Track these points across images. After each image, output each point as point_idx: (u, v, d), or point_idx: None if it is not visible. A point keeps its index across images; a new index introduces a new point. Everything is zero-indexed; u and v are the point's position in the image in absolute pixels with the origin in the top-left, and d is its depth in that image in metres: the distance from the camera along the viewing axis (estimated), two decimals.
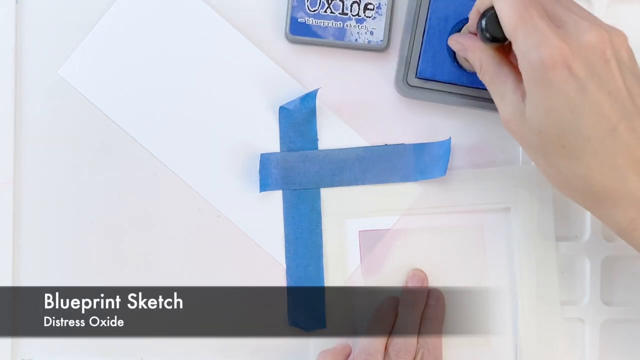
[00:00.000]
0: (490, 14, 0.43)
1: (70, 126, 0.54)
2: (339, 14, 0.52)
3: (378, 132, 0.53)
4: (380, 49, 0.52)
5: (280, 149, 0.53)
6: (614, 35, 0.40)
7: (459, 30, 0.50)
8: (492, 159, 0.54)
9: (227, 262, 0.54)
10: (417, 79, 0.52)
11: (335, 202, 0.53)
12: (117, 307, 0.54)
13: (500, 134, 0.53)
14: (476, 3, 0.44)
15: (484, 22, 0.43)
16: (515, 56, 0.41)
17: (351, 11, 0.52)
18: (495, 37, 0.43)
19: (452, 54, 0.51)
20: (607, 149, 0.39)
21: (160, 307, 0.54)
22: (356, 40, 0.52)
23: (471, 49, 0.45)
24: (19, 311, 0.54)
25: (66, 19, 0.53)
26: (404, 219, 0.53)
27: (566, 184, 0.42)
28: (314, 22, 0.52)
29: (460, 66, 0.50)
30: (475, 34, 0.46)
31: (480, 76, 0.45)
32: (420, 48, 0.52)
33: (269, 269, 0.53)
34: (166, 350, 0.54)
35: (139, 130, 0.54)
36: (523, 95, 0.42)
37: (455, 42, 0.47)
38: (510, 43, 0.42)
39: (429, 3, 0.51)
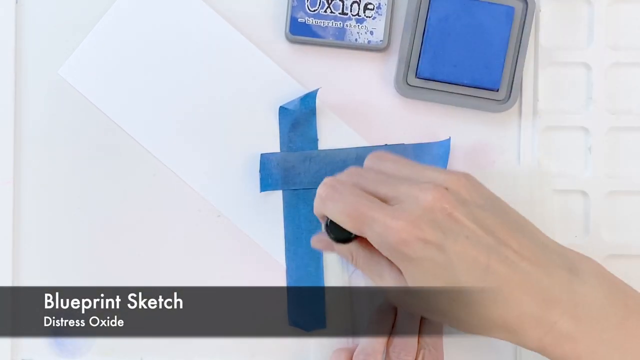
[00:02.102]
0: (329, 222, 0.44)
1: (70, 126, 0.54)
2: (339, 14, 0.52)
3: (378, 132, 0.53)
4: (380, 49, 0.52)
5: (280, 149, 0.53)
6: (448, 182, 0.42)
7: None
8: (492, 159, 0.54)
9: (227, 262, 0.54)
10: (417, 79, 0.52)
11: None
12: (117, 307, 0.54)
13: (500, 134, 0.53)
14: (315, 211, 0.45)
15: (328, 231, 0.44)
16: None
17: (351, 11, 0.52)
18: (343, 239, 0.44)
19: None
20: (491, 290, 0.41)
21: (160, 307, 0.54)
22: (356, 40, 0.52)
23: (335, 246, 0.46)
24: (19, 311, 0.54)
25: (66, 19, 0.53)
26: None
27: (472, 328, 0.43)
28: (314, 22, 0.52)
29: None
30: None
31: (354, 265, 0.46)
32: (420, 48, 0.52)
33: (269, 269, 0.53)
34: (166, 350, 0.54)
35: (139, 130, 0.54)
36: (399, 270, 0.43)
37: (319, 242, 0.48)
38: None
39: (429, 3, 0.51)
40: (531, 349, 0.42)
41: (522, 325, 0.41)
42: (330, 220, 0.44)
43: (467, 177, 0.43)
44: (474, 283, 0.40)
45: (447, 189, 0.41)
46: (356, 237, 0.43)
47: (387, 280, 0.44)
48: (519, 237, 0.42)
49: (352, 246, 0.45)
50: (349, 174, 0.45)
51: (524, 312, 0.41)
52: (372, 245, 0.43)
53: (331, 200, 0.43)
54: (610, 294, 0.42)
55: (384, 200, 0.42)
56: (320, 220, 0.45)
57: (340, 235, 0.44)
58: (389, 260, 0.43)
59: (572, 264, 0.43)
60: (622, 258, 0.53)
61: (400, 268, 0.42)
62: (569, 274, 0.42)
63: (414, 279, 0.41)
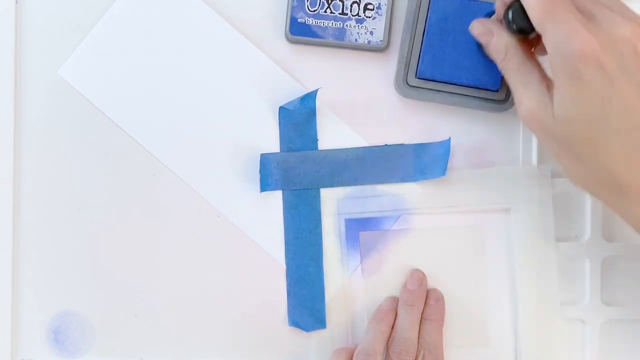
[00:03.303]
0: (516, 6, 0.43)
1: (70, 126, 0.54)
2: (339, 14, 0.52)
3: (378, 132, 0.53)
4: (380, 49, 0.52)
5: (280, 149, 0.53)
6: None
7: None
8: (492, 159, 0.54)
9: (227, 262, 0.54)
10: (417, 79, 0.52)
11: (335, 202, 0.53)
12: (117, 306, 0.54)
13: (500, 134, 0.53)
14: None
15: (510, 14, 0.43)
16: (539, 51, 0.41)
17: (351, 11, 0.52)
18: (523, 28, 0.43)
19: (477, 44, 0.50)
20: (635, 142, 0.40)
21: (161, 306, 0.54)
22: (356, 40, 0.52)
23: (498, 34, 0.45)
24: (19, 311, 0.54)
25: (66, 19, 0.53)
26: (404, 219, 0.53)
27: (588, 177, 0.42)
28: (313, 22, 0.52)
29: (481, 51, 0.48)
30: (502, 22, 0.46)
31: (502, 63, 0.45)
32: (420, 48, 0.52)
33: (269, 269, 0.53)
34: (166, 350, 0.54)
35: (139, 131, 0.54)
36: (548, 87, 0.42)
37: (481, 25, 0.47)
38: (535, 36, 0.42)
39: (429, 3, 0.51)
40: (633, 222, 0.42)
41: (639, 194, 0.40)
42: (517, 7, 0.42)
43: None
44: (620, 131, 0.39)
45: None
46: (530, 35, 0.42)
47: (532, 90, 0.42)
48: None
49: (511, 42, 0.44)
50: None
51: None
52: (530, 53, 0.42)
53: None
54: None
55: (583, 11, 0.41)
56: (502, 6, 0.44)
57: (524, 23, 0.42)
58: (542, 73, 0.42)
59: None
60: (622, 259, 0.53)
61: (559, 82, 0.40)
62: None
63: (565, 100, 0.40)
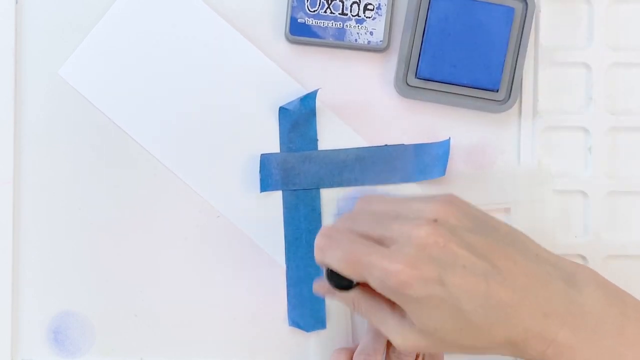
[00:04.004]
0: (329, 270, 0.44)
1: (70, 126, 0.54)
2: (339, 14, 0.52)
3: (378, 132, 0.53)
4: (380, 49, 0.52)
5: (280, 150, 0.53)
6: (435, 212, 0.42)
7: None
8: (492, 159, 0.54)
9: (227, 262, 0.54)
10: (417, 79, 0.52)
11: (335, 202, 0.53)
12: (117, 306, 0.54)
13: (500, 134, 0.53)
14: (316, 260, 0.45)
15: (329, 280, 0.44)
16: None
17: (351, 11, 0.52)
18: (344, 286, 0.44)
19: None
20: (493, 309, 0.41)
21: (161, 306, 0.54)
22: (356, 40, 0.52)
23: (337, 294, 0.46)
24: (19, 311, 0.54)
25: (66, 19, 0.53)
26: None
27: (480, 351, 0.43)
28: (313, 23, 0.52)
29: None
30: None
31: (356, 312, 0.46)
32: (420, 48, 0.52)
33: (269, 269, 0.53)
34: (166, 350, 0.54)
35: (139, 131, 0.54)
36: (401, 313, 0.43)
37: (321, 287, 0.48)
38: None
39: (429, 3, 0.51)
40: None
41: (525, 341, 0.42)
42: (330, 271, 0.44)
43: (452, 201, 0.43)
44: (477, 309, 0.41)
45: (436, 220, 0.42)
46: (358, 283, 0.44)
47: (391, 324, 0.44)
48: (512, 254, 0.42)
49: (353, 293, 0.45)
50: (342, 219, 0.46)
51: (526, 328, 0.41)
52: (373, 291, 0.43)
53: (329, 249, 0.43)
54: (607, 302, 0.43)
55: (379, 241, 0.43)
56: (322, 268, 0.45)
57: (341, 282, 0.44)
58: (391, 305, 0.44)
59: (567, 274, 0.43)
60: (622, 258, 0.53)
61: (405, 309, 0.42)
62: (565, 285, 0.43)
63: (420, 318, 0.42)
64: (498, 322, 0.41)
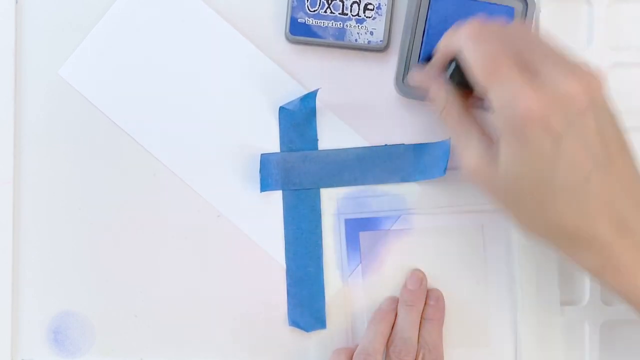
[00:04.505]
0: (458, 63, 0.42)
1: (70, 126, 0.54)
2: (339, 14, 0.52)
3: (378, 132, 0.53)
4: (380, 49, 0.52)
5: (280, 149, 0.53)
6: (591, 81, 0.40)
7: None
8: None
9: (227, 262, 0.54)
10: None
11: (335, 202, 0.53)
12: (117, 306, 0.54)
13: None
14: (441, 44, 0.42)
15: (452, 70, 0.42)
16: (481, 106, 0.41)
17: (351, 11, 0.52)
18: (463, 83, 0.42)
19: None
20: (580, 197, 0.40)
21: (161, 306, 0.54)
22: (356, 40, 0.52)
23: (437, 83, 0.44)
24: (19, 311, 0.54)
25: (66, 19, 0.53)
26: (404, 219, 0.53)
27: (538, 228, 0.42)
28: (313, 22, 0.52)
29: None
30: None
31: (441, 115, 0.44)
32: (420, 48, 0.52)
33: (269, 269, 0.53)
34: (166, 350, 0.54)
35: (139, 130, 0.54)
36: (489, 142, 0.42)
37: (420, 74, 0.46)
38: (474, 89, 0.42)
39: (429, 3, 0.51)
40: (587, 270, 0.42)
41: (591, 245, 0.40)
42: (459, 64, 0.41)
43: (604, 82, 0.41)
44: (567, 187, 0.39)
45: (589, 83, 0.40)
46: (471, 92, 0.41)
47: (471, 147, 0.42)
48: (626, 160, 0.41)
49: (451, 96, 0.43)
50: (498, 27, 0.42)
51: (598, 232, 0.40)
52: (470, 107, 0.41)
53: (475, 39, 0.40)
54: None
55: (526, 67, 0.40)
56: (440, 59, 0.42)
57: (462, 78, 0.41)
58: (481, 129, 0.42)
59: None
60: None
61: (504, 141, 0.40)
62: None
63: (511, 158, 0.40)
64: (576, 211, 0.40)
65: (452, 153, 0.43)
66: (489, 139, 0.42)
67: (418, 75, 0.46)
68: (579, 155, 0.39)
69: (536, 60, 0.40)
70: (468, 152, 0.43)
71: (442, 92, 0.44)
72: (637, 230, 0.41)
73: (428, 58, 0.49)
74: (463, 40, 0.41)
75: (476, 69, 0.40)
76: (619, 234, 0.40)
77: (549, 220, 0.41)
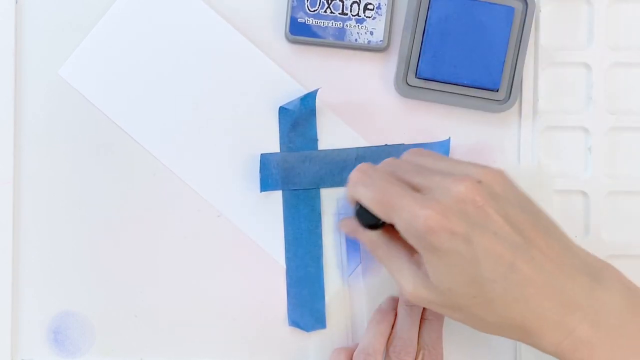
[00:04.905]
0: (359, 207, 0.44)
1: (70, 126, 0.54)
2: (339, 14, 0.52)
3: (378, 132, 0.53)
4: (380, 49, 0.52)
5: (280, 149, 0.53)
6: (482, 175, 0.42)
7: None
8: (492, 159, 0.54)
9: (227, 262, 0.54)
10: (417, 79, 0.52)
11: (335, 202, 0.53)
12: (117, 306, 0.54)
13: (500, 134, 0.53)
14: (346, 195, 0.45)
15: (357, 216, 0.44)
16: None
17: (351, 11, 0.52)
18: (373, 224, 0.44)
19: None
20: (512, 287, 0.41)
21: (161, 306, 0.54)
22: (356, 40, 0.52)
23: (360, 232, 0.47)
24: (19, 311, 0.54)
25: (66, 19, 0.53)
26: None
27: (489, 327, 0.43)
28: (313, 22, 0.52)
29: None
30: None
31: (372, 254, 0.46)
32: (420, 48, 0.52)
33: (269, 269, 0.53)
34: (166, 350, 0.54)
35: (139, 130, 0.54)
36: (418, 264, 0.43)
37: (345, 225, 0.49)
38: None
39: (429, 3, 0.51)
40: (548, 353, 0.42)
41: (541, 328, 0.41)
42: (360, 206, 0.44)
43: (501, 173, 0.43)
44: (497, 280, 0.40)
45: (480, 182, 0.41)
46: (384, 225, 0.43)
47: (405, 272, 0.43)
48: (546, 238, 0.42)
49: (374, 236, 0.45)
50: (385, 163, 0.45)
51: (544, 314, 0.41)
52: (396, 238, 0.43)
53: (362, 184, 0.43)
54: (630, 303, 0.42)
55: (416, 189, 0.42)
56: (351, 205, 0.46)
57: (369, 220, 0.44)
58: (409, 253, 0.43)
59: (594, 270, 0.43)
60: (622, 258, 0.53)
61: (424, 259, 0.42)
62: (591, 280, 0.42)
63: (436, 272, 0.41)
64: (516, 300, 0.41)
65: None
66: (419, 260, 0.43)
67: (344, 228, 0.49)
68: (494, 247, 0.40)
69: (423, 178, 0.43)
70: (403, 278, 0.44)
71: (365, 236, 0.46)
72: (582, 302, 0.41)
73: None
74: (352, 187, 0.44)
75: (373, 208, 0.43)
76: (567, 311, 0.41)
77: (495, 318, 0.42)
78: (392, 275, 0.45)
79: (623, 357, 0.41)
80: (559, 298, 0.41)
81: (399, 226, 0.42)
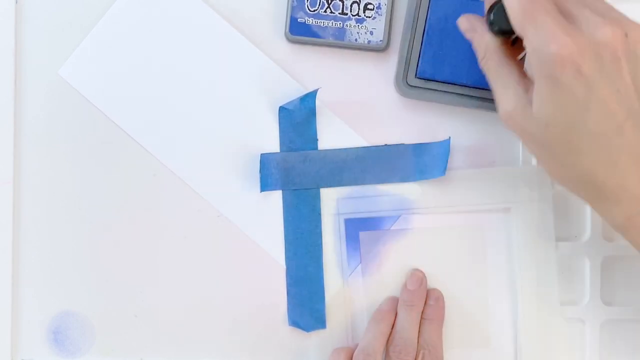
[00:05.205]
0: (498, 7, 0.42)
1: (70, 126, 0.54)
2: (339, 14, 0.52)
3: (378, 132, 0.53)
4: (380, 49, 0.52)
5: (280, 149, 0.53)
6: (630, 30, 0.40)
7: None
8: (492, 159, 0.54)
9: (227, 262, 0.54)
10: (417, 79, 0.52)
11: (335, 202, 0.53)
12: (117, 306, 0.54)
13: (500, 134, 0.53)
14: None
15: (491, 15, 0.43)
16: (519, 52, 0.41)
17: (351, 11, 0.52)
18: (503, 30, 0.43)
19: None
20: (613, 146, 0.40)
21: (161, 306, 0.54)
22: (356, 40, 0.52)
23: (479, 33, 0.45)
24: (19, 311, 0.54)
25: (66, 19, 0.53)
26: (404, 219, 0.53)
27: (568, 177, 0.42)
28: (313, 22, 0.52)
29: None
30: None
31: (482, 62, 0.45)
32: (420, 48, 0.52)
33: (269, 269, 0.53)
34: (166, 350, 0.54)
35: (139, 131, 0.54)
36: (526, 88, 0.42)
37: (467, 21, 0.46)
38: (517, 37, 0.42)
39: (429, 3, 0.51)
40: (614, 224, 0.42)
41: (619, 195, 0.40)
42: (498, 6, 0.42)
43: None
44: (598, 135, 0.39)
45: (627, 35, 0.40)
46: (511, 37, 0.42)
47: (510, 91, 0.42)
48: None
49: (494, 43, 0.43)
50: None
51: (627, 184, 0.40)
52: (510, 54, 0.42)
53: None
54: None
55: (564, 14, 0.40)
56: (487, 2, 0.44)
57: (501, 25, 0.42)
58: (521, 75, 0.42)
59: None
60: (622, 258, 0.53)
61: (537, 85, 0.40)
62: None
63: (544, 103, 0.40)
64: (607, 161, 0.40)
65: (494, 95, 0.44)
66: (527, 86, 0.42)
67: (463, 23, 0.46)
68: (611, 103, 0.39)
69: (574, 6, 0.41)
70: (505, 97, 0.42)
71: (483, 39, 0.44)
72: None
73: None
74: None
75: (513, 12, 0.40)
76: None
77: (578, 170, 0.41)
78: (493, 90, 0.43)
79: None
80: None
81: (530, 43, 0.40)
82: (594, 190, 0.41)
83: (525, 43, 0.40)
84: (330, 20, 0.52)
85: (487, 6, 0.44)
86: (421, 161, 0.53)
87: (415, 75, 0.52)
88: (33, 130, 0.54)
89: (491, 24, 0.43)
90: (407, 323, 0.51)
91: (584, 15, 0.40)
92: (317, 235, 0.53)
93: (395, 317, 0.52)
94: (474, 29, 0.45)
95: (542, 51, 0.39)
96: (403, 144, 0.53)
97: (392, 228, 0.53)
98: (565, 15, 0.40)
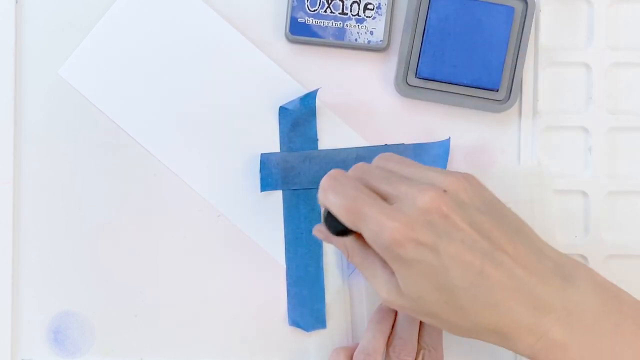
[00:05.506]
0: (327, 214, 0.44)
1: (70, 126, 0.54)
2: (339, 13, 0.52)
3: (378, 132, 0.53)
4: (380, 49, 0.52)
5: (280, 149, 0.53)
6: (448, 183, 0.42)
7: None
8: (492, 159, 0.54)
9: (227, 262, 0.54)
10: (417, 79, 0.52)
11: None
12: (117, 306, 0.54)
13: (500, 134, 0.53)
14: (318, 200, 0.45)
15: (325, 221, 0.44)
16: None
17: (351, 11, 0.52)
18: (340, 232, 0.44)
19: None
20: (484, 291, 0.41)
21: (161, 306, 0.54)
22: (356, 40, 0.52)
23: (333, 238, 0.47)
24: (19, 311, 0.54)
25: (66, 19, 0.53)
26: None
27: (467, 331, 0.43)
28: (313, 22, 0.52)
29: None
30: None
31: (349, 260, 0.46)
32: (420, 48, 0.52)
33: (269, 269, 0.53)
34: (166, 350, 0.54)
35: (139, 131, 0.54)
36: (391, 272, 0.43)
37: (319, 232, 0.49)
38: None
39: (429, 3, 0.51)
40: (523, 355, 0.42)
41: (514, 332, 0.41)
42: (329, 212, 0.44)
43: (468, 178, 0.43)
44: (467, 287, 0.40)
45: (445, 190, 0.41)
46: (352, 232, 0.43)
47: (379, 279, 0.44)
48: (515, 241, 0.42)
49: (348, 241, 0.45)
50: (355, 168, 0.45)
51: (516, 319, 0.41)
52: (369, 244, 0.43)
53: (332, 191, 0.43)
54: (604, 301, 0.42)
55: (384, 197, 0.42)
56: (322, 211, 0.45)
57: (336, 227, 0.43)
58: (383, 262, 0.43)
59: (566, 271, 0.43)
60: (622, 258, 0.53)
61: (393, 268, 0.42)
62: (562, 282, 0.42)
63: (405, 281, 0.41)
64: (487, 306, 0.41)
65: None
66: (391, 269, 0.43)
67: (318, 234, 0.49)
68: (463, 254, 0.40)
69: (390, 187, 0.42)
70: (377, 285, 0.44)
71: (340, 241, 0.46)
72: (554, 303, 0.41)
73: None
74: (322, 194, 0.44)
75: (341, 215, 0.42)
76: (539, 313, 0.41)
77: (470, 324, 0.42)
78: (367, 281, 0.45)
79: (597, 356, 0.41)
80: (530, 301, 0.41)
81: (366, 236, 0.42)
82: (493, 335, 0.42)
83: (364, 237, 0.42)
84: (330, 20, 0.52)
85: (322, 215, 0.45)
86: (421, 161, 0.53)
87: (415, 75, 0.52)
88: (33, 130, 0.54)
89: (329, 229, 0.44)
90: (407, 323, 0.51)
91: (400, 192, 0.42)
92: None
93: (395, 317, 0.52)
94: (328, 236, 0.46)
95: (379, 241, 0.41)
96: (403, 143, 0.53)
97: None
98: (385, 197, 0.42)
